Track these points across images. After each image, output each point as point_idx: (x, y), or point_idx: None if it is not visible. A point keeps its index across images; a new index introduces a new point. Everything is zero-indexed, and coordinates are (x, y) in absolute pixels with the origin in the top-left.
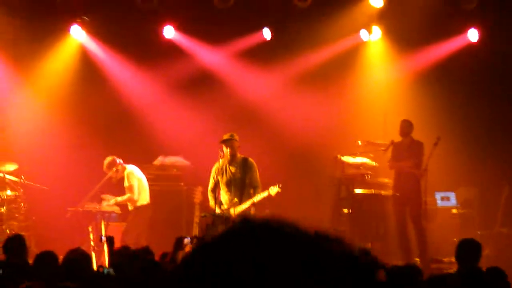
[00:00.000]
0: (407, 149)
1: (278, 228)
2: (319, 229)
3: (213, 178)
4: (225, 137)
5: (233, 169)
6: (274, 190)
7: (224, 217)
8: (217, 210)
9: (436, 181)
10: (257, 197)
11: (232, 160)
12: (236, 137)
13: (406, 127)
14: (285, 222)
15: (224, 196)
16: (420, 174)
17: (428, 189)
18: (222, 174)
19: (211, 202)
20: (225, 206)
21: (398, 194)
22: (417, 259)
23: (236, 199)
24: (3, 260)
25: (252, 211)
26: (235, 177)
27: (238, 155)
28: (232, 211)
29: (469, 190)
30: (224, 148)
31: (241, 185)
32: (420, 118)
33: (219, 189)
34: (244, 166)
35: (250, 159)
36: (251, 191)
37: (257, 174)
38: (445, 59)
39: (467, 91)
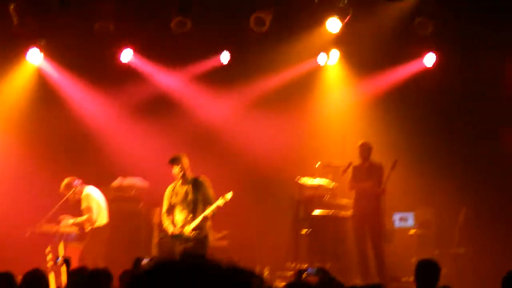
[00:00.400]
0: (366, 171)
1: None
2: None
3: (167, 200)
4: (172, 157)
5: (184, 188)
6: (227, 196)
7: (181, 237)
8: (172, 229)
9: (394, 202)
10: (208, 210)
11: (184, 180)
12: (185, 157)
13: (365, 150)
14: (202, 260)
15: (178, 215)
16: (380, 193)
17: (386, 210)
18: (176, 195)
19: (166, 224)
20: (178, 225)
21: (357, 214)
22: None
23: (189, 217)
24: None
25: (208, 226)
26: (187, 196)
27: (189, 175)
28: (187, 228)
29: (426, 211)
30: (174, 169)
31: (194, 203)
32: (378, 140)
33: (174, 210)
34: (195, 184)
35: (202, 177)
36: (205, 207)
37: (211, 191)
38: (401, 83)
39: (424, 114)
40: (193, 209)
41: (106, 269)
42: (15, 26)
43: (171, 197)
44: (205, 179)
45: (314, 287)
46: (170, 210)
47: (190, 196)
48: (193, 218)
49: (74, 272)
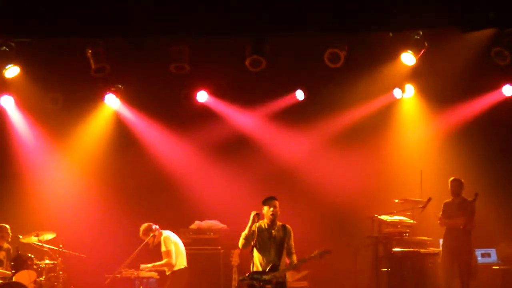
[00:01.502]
0: (457, 207)
1: None
2: None
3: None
4: (267, 197)
5: (273, 232)
6: (318, 254)
7: (263, 281)
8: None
9: (476, 238)
10: (301, 262)
11: (271, 223)
12: (277, 200)
13: (456, 186)
14: None
15: (261, 256)
16: (471, 229)
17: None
18: (260, 236)
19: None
20: (260, 269)
21: (447, 251)
22: None
23: (274, 262)
24: None
25: (289, 277)
26: (275, 240)
27: (278, 221)
28: (271, 275)
29: (510, 245)
30: (267, 208)
31: (280, 249)
32: (457, 174)
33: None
34: (285, 229)
35: (288, 226)
36: (287, 257)
37: (293, 241)
38: (479, 115)
39: (504, 145)
40: (279, 254)
41: None
42: (93, 70)
43: (255, 237)
44: (291, 228)
45: None
46: (246, 245)
47: (278, 240)
48: (279, 264)
49: None
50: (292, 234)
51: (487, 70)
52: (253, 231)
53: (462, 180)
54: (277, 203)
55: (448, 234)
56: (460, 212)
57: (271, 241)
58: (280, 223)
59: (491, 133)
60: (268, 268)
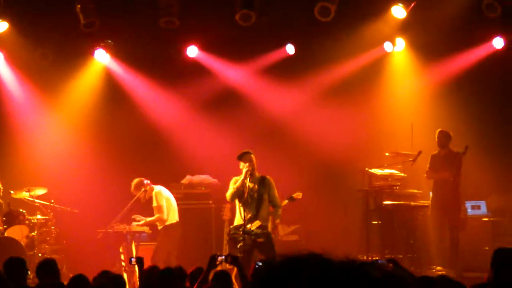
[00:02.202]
0: (444, 159)
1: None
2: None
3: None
4: (241, 153)
5: (251, 185)
6: (295, 196)
7: (251, 232)
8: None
9: (466, 190)
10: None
11: (251, 177)
12: (253, 155)
13: (443, 137)
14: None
15: (242, 210)
16: (458, 182)
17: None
18: (242, 190)
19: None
20: (239, 222)
21: (436, 204)
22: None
23: (253, 213)
24: (37, 284)
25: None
26: (253, 193)
27: (257, 173)
28: (254, 224)
29: (499, 198)
30: (243, 164)
31: (259, 200)
32: (447, 127)
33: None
34: (263, 182)
35: (269, 177)
36: (270, 208)
37: (276, 192)
38: (470, 68)
39: (495, 98)
40: (258, 206)
41: (180, 268)
42: (82, 25)
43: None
44: (271, 179)
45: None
46: (236, 197)
47: (256, 193)
48: (256, 216)
49: (146, 272)
50: (273, 184)
51: (477, 23)
52: (244, 185)
53: (450, 132)
54: (252, 157)
55: (436, 187)
56: (447, 164)
57: (249, 194)
58: (259, 175)
59: (482, 85)
60: (247, 220)
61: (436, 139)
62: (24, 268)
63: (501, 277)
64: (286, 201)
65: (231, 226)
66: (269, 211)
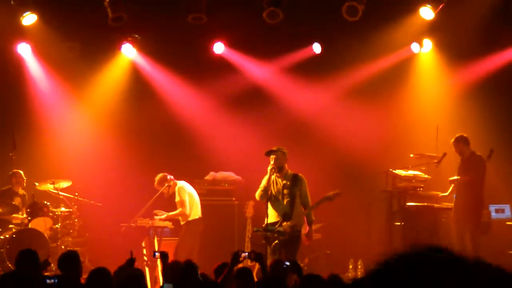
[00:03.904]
0: (467, 163)
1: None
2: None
3: (264, 187)
4: (266, 154)
5: (283, 182)
6: (332, 195)
7: (275, 231)
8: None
9: (491, 193)
10: (313, 207)
11: (280, 173)
12: (284, 150)
13: (458, 144)
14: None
15: (274, 208)
16: (473, 182)
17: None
18: (271, 186)
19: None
20: (273, 220)
21: (458, 207)
22: None
23: (286, 212)
24: (59, 275)
25: (301, 227)
26: (284, 190)
27: (289, 170)
28: (285, 224)
29: None
30: (271, 161)
31: (292, 198)
32: (473, 130)
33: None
34: (295, 180)
35: (301, 175)
36: (301, 207)
37: (308, 191)
38: (498, 70)
39: None
40: (291, 203)
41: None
42: (110, 19)
43: (268, 188)
44: (304, 177)
45: None
46: (264, 197)
47: (288, 190)
48: (290, 214)
49: (169, 266)
50: (304, 183)
51: (506, 25)
52: (270, 183)
53: (464, 135)
54: (279, 154)
55: (458, 190)
56: (470, 168)
57: (281, 191)
58: (292, 172)
59: (508, 89)
60: (281, 218)
61: (454, 149)
62: (36, 260)
63: None
64: (321, 200)
65: (265, 224)
66: (302, 210)
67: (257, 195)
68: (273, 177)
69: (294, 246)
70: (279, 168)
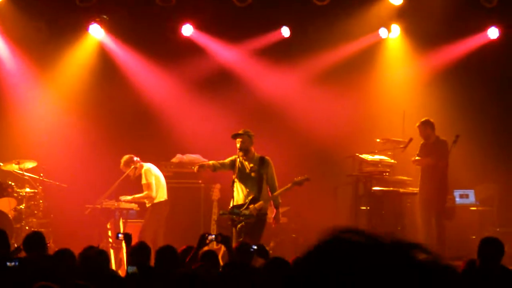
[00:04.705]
0: (432, 148)
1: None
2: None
3: (224, 163)
4: (232, 137)
5: (249, 165)
6: (300, 180)
7: (241, 214)
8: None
9: (455, 179)
10: (279, 191)
11: (246, 156)
12: (250, 133)
13: (424, 128)
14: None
15: (240, 191)
16: (441, 166)
17: (448, 187)
18: (238, 169)
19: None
20: (240, 202)
21: (423, 192)
22: None
23: (253, 195)
24: (21, 258)
25: (266, 210)
26: (251, 172)
27: (255, 153)
28: (251, 207)
29: (488, 187)
30: (238, 143)
31: (259, 181)
32: (439, 115)
33: (234, 184)
34: (262, 163)
35: (268, 158)
36: (268, 189)
37: (274, 174)
38: (464, 57)
39: (487, 88)
40: (258, 186)
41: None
42: (79, 1)
43: (232, 168)
44: (270, 160)
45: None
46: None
47: (255, 173)
48: (258, 196)
49: (134, 248)
50: (271, 166)
51: (473, 12)
52: (225, 166)
53: (430, 119)
54: (239, 139)
55: (423, 174)
56: (434, 152)
57: (247, 174)
58: (258, 155)
59: (475, 75)
60: (248, 201)
61: (419, 133)
62: (5, 240)
63: (486, 266)
64: (289, 185)
65: (230, 206)
66: (268, 194)
67: (211, 162)
68: (239, 159)
69: (259, 229)
70: (245, 151)
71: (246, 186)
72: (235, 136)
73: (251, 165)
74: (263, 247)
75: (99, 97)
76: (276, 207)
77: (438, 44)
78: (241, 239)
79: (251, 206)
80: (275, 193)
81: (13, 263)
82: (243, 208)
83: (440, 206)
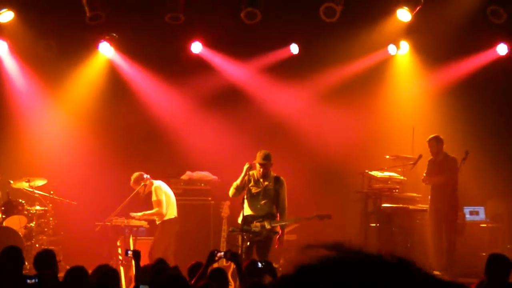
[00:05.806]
0: (440, 165)
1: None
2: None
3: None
4: (264, 161)
5: (265, 182)
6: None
7: (250, 231)
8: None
9: (465, 195)
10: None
11: (265, 176)
12: (272, 161)
13: (434, 144)
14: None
15: (253, 206)
16: (452, 184)
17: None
18: (253, 185)
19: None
20: (249, 219)
21: (434, 209)
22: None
23: (267, 211)
24: (39, 275)
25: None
26: (268, 190)
27: (272, 173)
28: (267, 224)
29: (498, 204)
30: (258, 167)
31: (275, 199)
32: (449, 132)
33: (243, 199)
34: (277, 182)
35: (282, 178)
36: (278, 212)
37: (286, 195)
38: (473, 73)
39: (496, 105)
40: (273, 204)
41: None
42: (88, 18)
43: (247, 186)
44: (285, 181)
45: None
46: (236, 195)
47: (271, 191)
48: (273, 213)
49: (149, 266)
50: (284, 186)
51: (482, 28)
52: (245, 182)
53: (440, 136)
54: (268, 166)
55: (434, 191)
56: (444, 169)
57: (264, 190)
58: (274, 174)
59: (483, 91)
60: (261, 218)
61: (429, 148)
62: (20, 257)
63: (493, 282)
64: (311, 216)
65: (240, 219)
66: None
67: (230, 192)
68: (255, 176)
69: (267, 247)
70: (265, 174)
71: (257, 203)
72: (267, 159)
73: (266, 182)
74: (271, 264)
75: (108, 115)
76: (282, 229)
77: (447, 61)
78: (250, 256)
79: (266, 221)
80: (295, 218)
81: (33, 280)
82: (253, 225)
83: (451, 223)
